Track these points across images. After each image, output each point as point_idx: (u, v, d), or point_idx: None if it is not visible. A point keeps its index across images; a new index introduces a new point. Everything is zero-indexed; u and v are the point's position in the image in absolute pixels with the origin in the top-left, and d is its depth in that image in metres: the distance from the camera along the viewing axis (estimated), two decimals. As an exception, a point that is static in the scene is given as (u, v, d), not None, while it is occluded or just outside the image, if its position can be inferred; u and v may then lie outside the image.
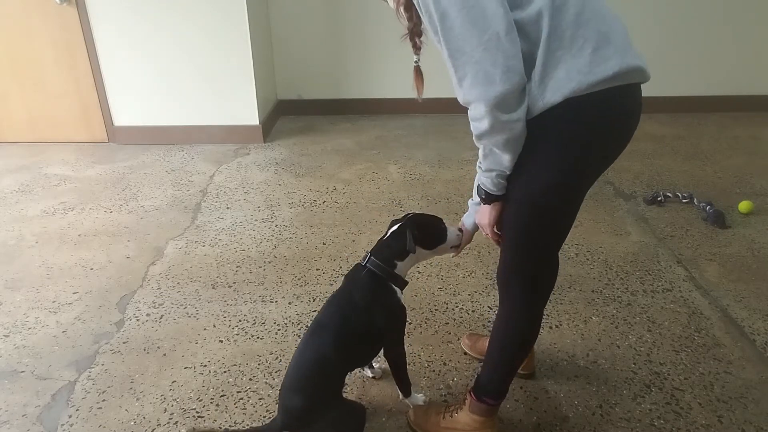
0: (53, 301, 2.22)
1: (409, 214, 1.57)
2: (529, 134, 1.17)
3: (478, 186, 1.31)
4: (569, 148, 1.18)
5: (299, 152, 3.77)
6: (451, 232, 1.58)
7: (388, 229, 1.55)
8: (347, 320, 1.49)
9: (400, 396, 1.67)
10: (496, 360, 1.48)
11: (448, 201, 3.02)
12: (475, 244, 2.58)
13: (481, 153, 1.23)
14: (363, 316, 1.49)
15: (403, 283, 1.54)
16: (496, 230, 1.40)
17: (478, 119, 1.14)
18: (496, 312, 1.47)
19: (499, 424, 1.62)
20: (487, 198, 1.31)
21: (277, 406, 1.49)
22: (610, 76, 1.12)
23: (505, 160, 1.20)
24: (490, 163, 1.23)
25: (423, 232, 1.52)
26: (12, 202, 3.06)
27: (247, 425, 1.63)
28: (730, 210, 2.84)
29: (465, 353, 1.91)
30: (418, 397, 1.69)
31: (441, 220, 1.58)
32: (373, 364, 1.79)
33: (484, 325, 2.05)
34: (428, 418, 1.59)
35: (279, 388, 1.51)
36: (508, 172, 1.23)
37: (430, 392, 1.74)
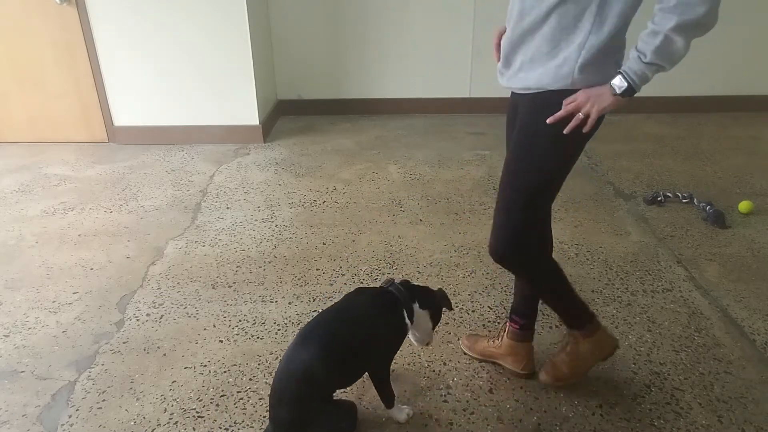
0: (53, 301, 2.22)
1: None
2: None
3: (623, 75, 1.30)
4: None
5: (299, 152, 3.77)
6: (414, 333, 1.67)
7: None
8: (343, 333, 1.50)
9: (383, 406, 1.63)
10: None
11: (448, 201, 3.01)
12: (475, 244, 2.58)
13: (659, 42, 1.22)
14: (364, 330, 1.51)
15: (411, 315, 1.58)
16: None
17: (699, 3, 1.17)
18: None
19: (499, 424, 1.63)
20: (627, 91, 1.30)
21: (268, 415, 1.47)
22: None
23: (679, 57, 1.24)
24: (661, 56, 1.24)
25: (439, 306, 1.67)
26: (12, 202, 3.06)
27: (247, 425, 1.63)
28: (730, 210, 2.84)
29: (465, 353, 1.91)
30: (403, 409, 1.64)
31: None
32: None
33: (484, 325, 2.05)
34: (562, 369, 1.72)
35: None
36: (668, 69, 1.27)
37: (430, 392, 1.75)
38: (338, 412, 1.51)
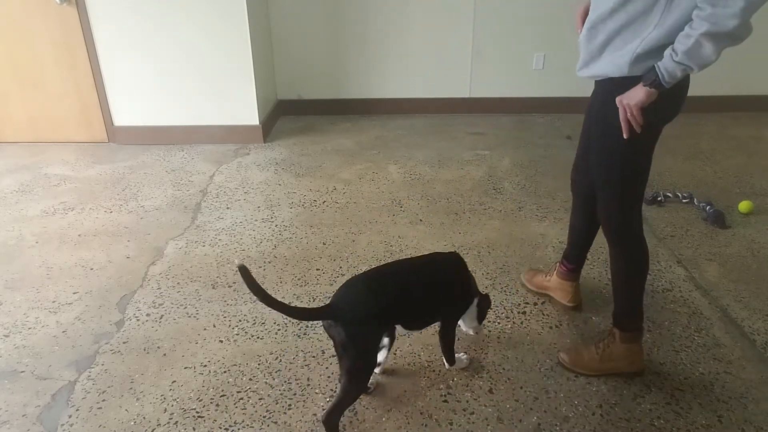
0: (53, 301, 2.22)
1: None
2: None
3: (655, 69, 1.39)
4: None
5: (299, 152, 3.77)
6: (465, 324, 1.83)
7: None
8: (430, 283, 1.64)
9: (446, 366, 1.82)
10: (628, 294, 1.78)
11: (448, 201, 3.01)
12: (474, 244, 2.58)
13: (690, 45, 1.31)
14: (445, 289, 1.67)
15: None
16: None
17: (730, 17, 1.24)
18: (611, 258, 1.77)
19: (499, 424, 1.63)
20: (655, 83, 1.40)
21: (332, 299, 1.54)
22: None
23: (707, 61, 1.33)
24: (689, 58, 1.33)
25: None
26: (12, 202, 3.06)
27: (247, 425, 1.63)
28: (730, 210, 2.84)
29: (524, 285, 2.22)
30: (462, 359, 1.84)
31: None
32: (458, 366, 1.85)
33: (483, 325, 2.04)
34: (583, 357, 1.82)
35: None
36: (696, 71, 1.36)
37: (430, 392, 1.75)
38: (371, 359, 1.57)
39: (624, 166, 1.61)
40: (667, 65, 1.36)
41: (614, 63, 1.48)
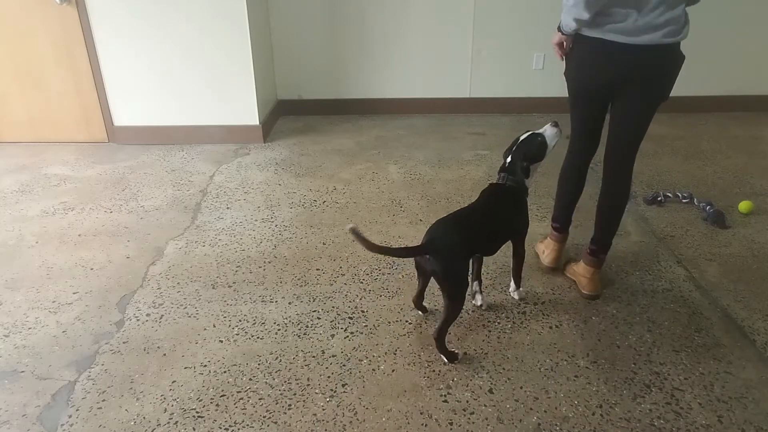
0: (53, 301, 2.22)
1: (521, 136, 2.06)
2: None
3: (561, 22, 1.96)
4: None
5: (299, 152, 3.77)
6: (549, 135, 2.05)
7: (505, 156, 2.07)
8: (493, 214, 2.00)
9: (512, 286, 2.19)
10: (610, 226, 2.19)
11: (448, 201, 3.01)
12: (475, 244, 2.58)
13: (571, 3, 1.82)
14: (506, 217, 2.03)
15: (527, 192, 2.07)
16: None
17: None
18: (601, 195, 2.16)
19: (499, 424, 1.63)
20: (560, 29, 1.98)
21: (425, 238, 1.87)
22: None
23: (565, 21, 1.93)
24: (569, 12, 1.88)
25: (529, 158, 2.03)
26: (12, 202, 3.06)
27: (247, 425, 1.63)
28: (730, 210, 2.84)
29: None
30: (520, 292, 2.19)
31: (538, 135, 2.04)
32: (479, 298, 2.15)
33: (484, 325, 2.05)
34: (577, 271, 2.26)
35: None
36: (574, 25, 1.90)
37: (430, 392, 1.75)
38: (463, 278, 1.88)
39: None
40: (564, 18, 1.93)
41: None
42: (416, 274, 1.99)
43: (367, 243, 1.75)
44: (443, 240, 1.84)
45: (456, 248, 1.83)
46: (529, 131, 2.06)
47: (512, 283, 2.20)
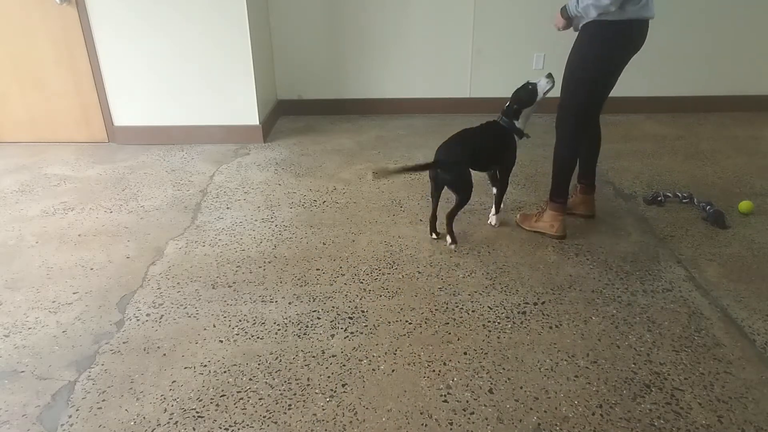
0: (53, 301, 2.22)
1: (519, 88, 2.52)
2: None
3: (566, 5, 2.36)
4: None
5: (299, 152, 3.77)
6: (540, 84, 2.47)
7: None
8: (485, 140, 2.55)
9: (493, 211, 2.71)
10: (555, 175, 2.55)
11: (448, 201, 3.00)
12: (474, 244, 2.58)
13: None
14: (505, 139, 2.56)
15: (521, 134, 2.55)
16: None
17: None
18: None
19: (500, 424, 1.63)
20: (563, 13, 2.38)
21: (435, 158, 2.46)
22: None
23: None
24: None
25: (520, 102, 2.50)
26: (12, 202, 3.06)
27: (247, 425, 1.63)
28: (730, 210, 2.84)
29: (517, 226, 2.71)
30: (498, 217, 2.71)
31: (531, 83, 2.48)
32: (496, 223, 2.73)
33: (484, 325, 2.05)
34: (526, 220, 2.70)
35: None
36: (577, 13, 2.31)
37: (430, 392, 1.75)
38: (468, 180, 2.47)
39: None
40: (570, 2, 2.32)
41: None
42: (430, 189, 2.60)
43: (387, 171, 2.56)
44: (449, 156, 2.44)
45: (460, 161, 2.43)
46: (527, 81, 2.50)
47: (493, 208, 2.70)
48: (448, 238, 2.53)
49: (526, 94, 2.49)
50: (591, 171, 2.73)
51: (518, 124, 2.53)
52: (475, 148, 2.49)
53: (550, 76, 2.46)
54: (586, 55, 2.36)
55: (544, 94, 2.47)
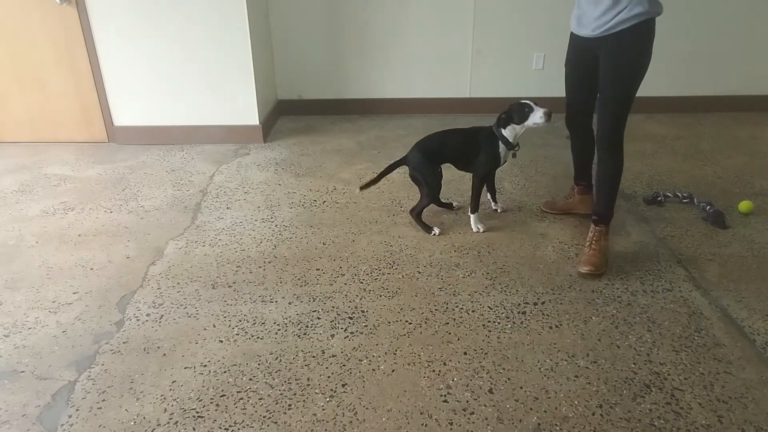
0: (53, 301, 2.22)
1: (517, 103, 2.52)
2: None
3: None
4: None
5: (299, 152, 3.77)
6: (536, 112, 2.45)
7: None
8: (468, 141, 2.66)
9: (469, 211, 2.71)
10: (611, 194, 2.42)
11: (447, 200, 3.01)
12: (475, 243, 2.58)
13: None
14: (475, 144, 2.64)
15: (508, 144, 2.57)
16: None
17: None
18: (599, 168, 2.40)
19: (499, 424, 1.63)
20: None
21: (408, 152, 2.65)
22: None
23: None
24: None
25: (510, 115, 2.52)
26: (12, 202, 3.06)
27: (247, 425, 1.63)
28: (730, 210, 2.84)
29: (545, 211, 2.85)
30: (479, 226, 2.69)
31: (528, 106, 2.47)
32: (497, 208, 2.88)
33: (484, 325, 2.05)
34: (600, 261, 2.36)
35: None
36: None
37: (430, 392, 1.75)
38: (435, 178, 2.64)
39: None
40: None
41: None
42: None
43: (370, 182, 2.71)
44: (414, 154, 2.64)
45: (423, 160, 2.61)
46: (528, 101, 2.49)
47: (492, 203, 2.89)
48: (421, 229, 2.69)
49: (517, 112, 2.49)
50: (588, 172, 2.73)
51: (505, 133, 2.55)
52: (443, 148, 2.64)
53: (549, 114, 2.42)
54: (643, 63, 2.21)
55: (533, 123, 2.46)
